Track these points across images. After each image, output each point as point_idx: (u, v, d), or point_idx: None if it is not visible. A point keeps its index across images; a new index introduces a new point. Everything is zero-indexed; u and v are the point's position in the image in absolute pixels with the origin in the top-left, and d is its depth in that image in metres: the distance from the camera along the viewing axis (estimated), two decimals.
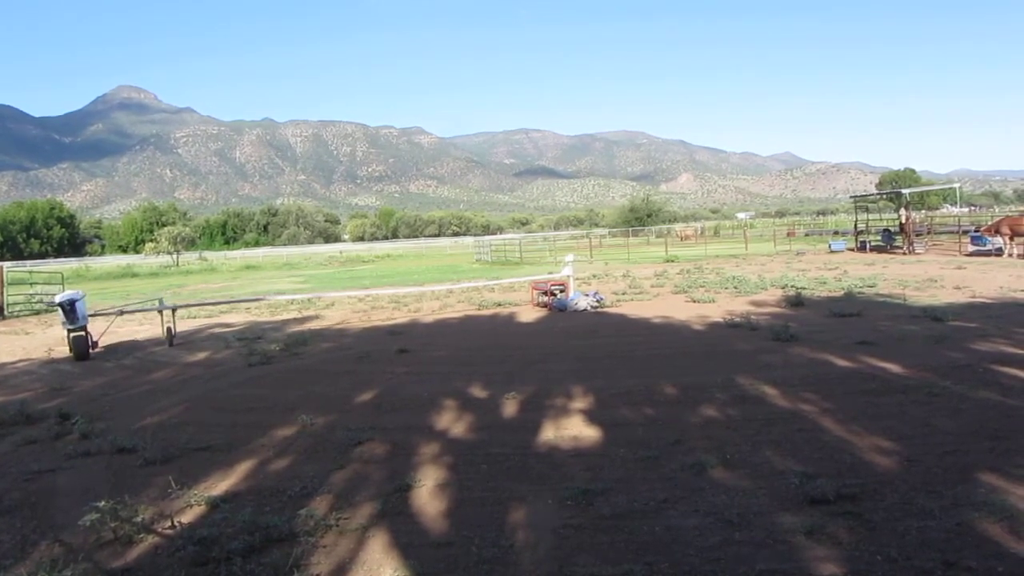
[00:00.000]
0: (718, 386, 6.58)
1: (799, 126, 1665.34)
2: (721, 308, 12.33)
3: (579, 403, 6.33)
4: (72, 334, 10.65)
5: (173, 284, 31.96)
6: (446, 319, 13.39)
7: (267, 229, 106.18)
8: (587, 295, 13.93)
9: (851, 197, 46.05)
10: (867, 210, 36.61)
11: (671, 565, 3.26)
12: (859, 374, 6.83)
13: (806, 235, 48.05)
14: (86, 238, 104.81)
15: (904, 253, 25.35)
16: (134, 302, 17.50)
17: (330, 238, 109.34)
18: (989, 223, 26.57)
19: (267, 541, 3.65)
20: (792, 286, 15.01)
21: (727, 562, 3.25)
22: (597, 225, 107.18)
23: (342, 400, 6.97)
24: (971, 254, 22.68)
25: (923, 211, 60.17)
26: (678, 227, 71.27)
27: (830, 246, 30.34)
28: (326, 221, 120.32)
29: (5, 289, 19.65)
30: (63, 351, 11.30)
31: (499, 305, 14.86)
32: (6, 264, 27.39)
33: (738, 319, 10.61)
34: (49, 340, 13.17)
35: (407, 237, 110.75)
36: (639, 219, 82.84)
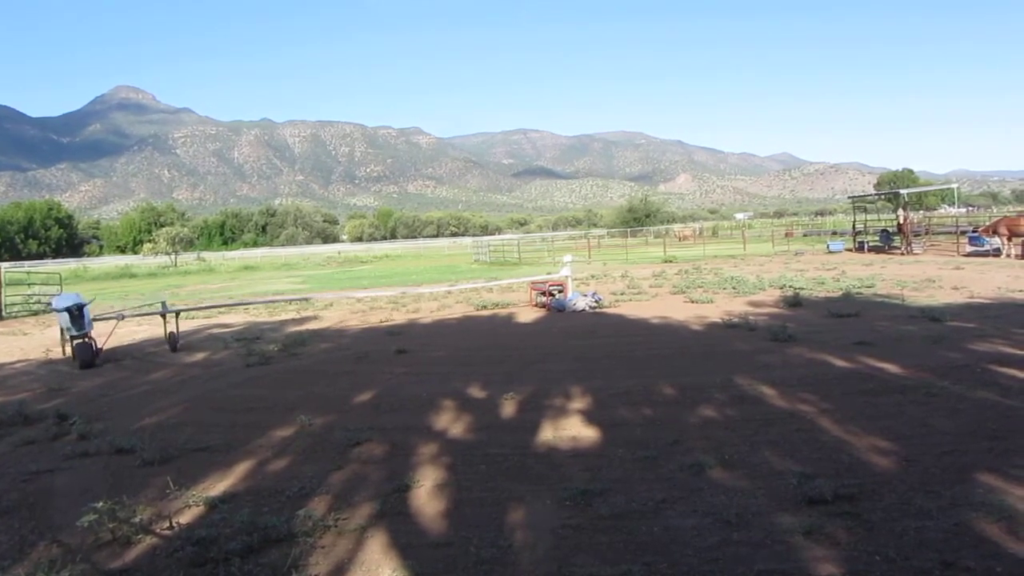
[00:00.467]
0: (716, 386, 6.59)
1: (797, 126, 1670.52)
2: (719, 308, 12.34)
3: (578, 403, 6.33)
4: (75, 340, 9.96)
5: (171, 284, 31.94)
6: (445, 319, 13.39)
7: (265, 229, 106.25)
8: (585, 295, 13.93)
9: (849, 197, 46.03)
10: (865, 210, 36.59)
11: (669, 565, 3.26)
12: (857, 374, 6.83)
13: (804, 235, 48.11)
14: (84, 239, 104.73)
15: (902, 253, 25.38)
16: (133, 304, 17.48)
17: (328, 238, 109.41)
18: (987, 223, 26.60)
19: (265, 542, 3.65)
20: (790, 286, 15.02)
21: (725, 562, 3.25)
22: (595, 225, 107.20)
23: (341, 400, 6.96)
24: (969, 254, 22.69)
25: (921, 211, 60.11)
26: (676, 227, 71.31)
27: (828, 246, 30.38)
28: (324, 221, 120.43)
29: (3, 290, 19.62)
30: (58, 352, 11.22)
31: (497, 305, 14.86)
32: (4, 265, 27.37)
33: (736, 319, 10.62)
34: (47, 341, 13.15)
35: (405, 237, 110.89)
36: (637, 219, 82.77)
